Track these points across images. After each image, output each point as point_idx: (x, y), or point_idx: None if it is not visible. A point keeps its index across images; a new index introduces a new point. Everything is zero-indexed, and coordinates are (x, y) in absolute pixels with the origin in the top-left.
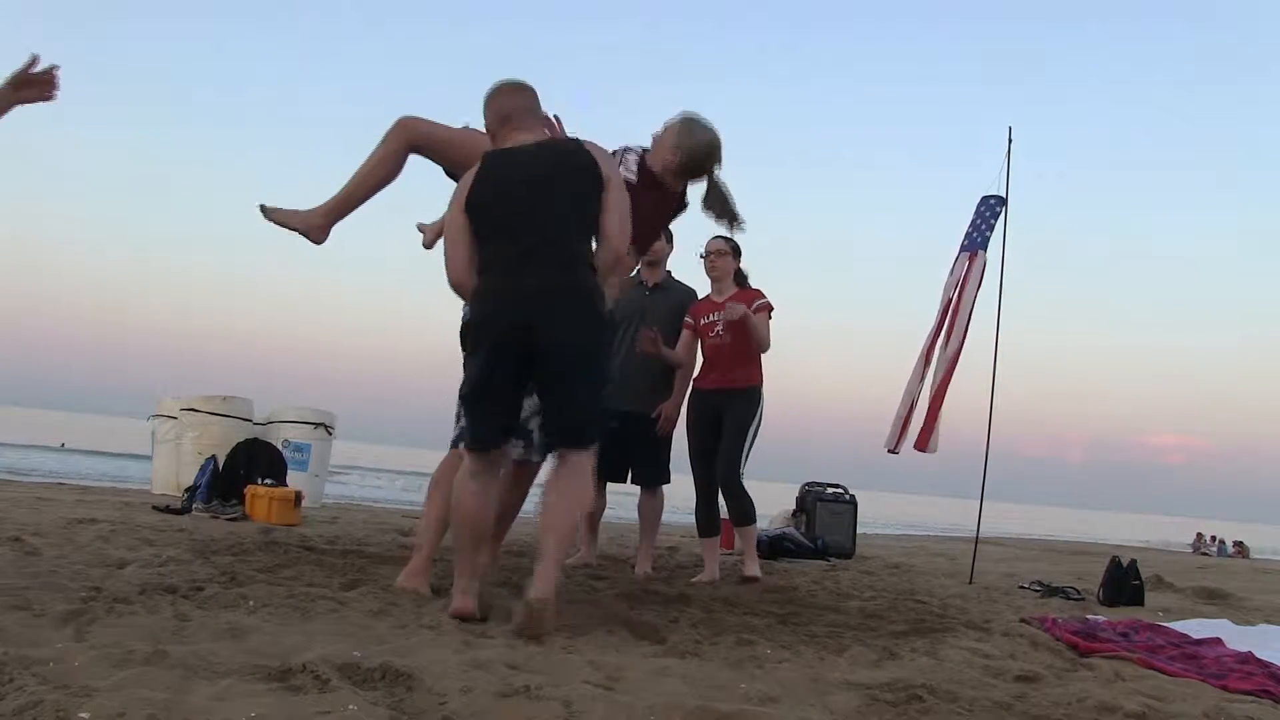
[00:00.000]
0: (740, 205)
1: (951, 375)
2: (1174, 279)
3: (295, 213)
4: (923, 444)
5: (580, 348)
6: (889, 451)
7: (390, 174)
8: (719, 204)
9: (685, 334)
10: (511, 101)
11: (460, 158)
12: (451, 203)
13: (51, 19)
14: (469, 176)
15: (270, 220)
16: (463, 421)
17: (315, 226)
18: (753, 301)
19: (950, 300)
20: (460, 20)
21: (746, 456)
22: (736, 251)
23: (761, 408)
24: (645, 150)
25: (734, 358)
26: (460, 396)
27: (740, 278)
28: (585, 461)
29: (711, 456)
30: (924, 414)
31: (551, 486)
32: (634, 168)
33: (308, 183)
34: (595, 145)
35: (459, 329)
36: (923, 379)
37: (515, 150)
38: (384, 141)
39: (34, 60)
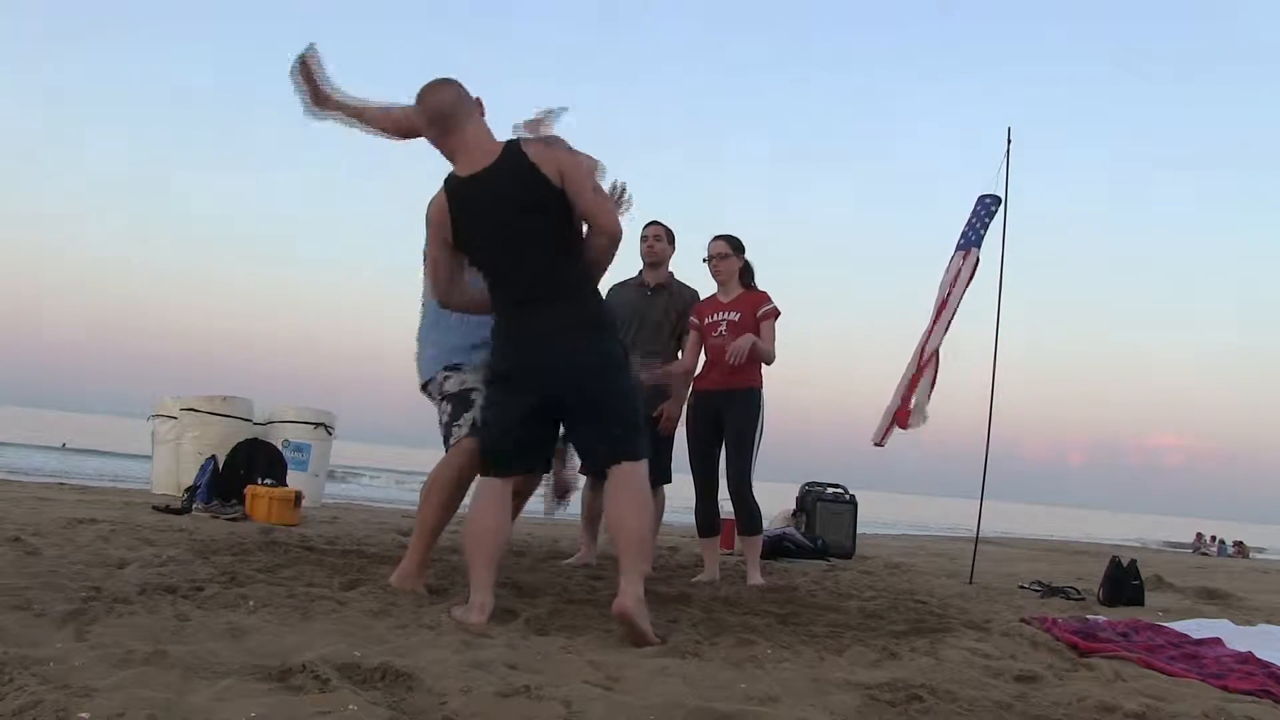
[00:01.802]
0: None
1: (929, 363)
2: (1174, 279)
3: (316, 78)
4: (902, 422)
5: (590, 371)
6: (875, 444)
7: (394, 132)
8: None
9: (691, 335)
10: (441, 101)
11: None
12: (427, 228)
13: (53, 19)
14: (439, 210)
15: (301, 65)
16: (462, 422)
17: (321, 100)
18: (759, 306)
19: (944, 299)
20: (463, 20)
21: (754, 463)
22: (739, 249)
23: (763, 410)
24: None
25: None
26: (483, 418)
27: (746, 276)
28: (638, 470)
29: (711, 457)
30: (902, 399)
31: (612, 502)
32: None
33: (308, 182)
34: (534, 143)
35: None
36: (915, 376)
37: (470, 184)
38: (404, 111)
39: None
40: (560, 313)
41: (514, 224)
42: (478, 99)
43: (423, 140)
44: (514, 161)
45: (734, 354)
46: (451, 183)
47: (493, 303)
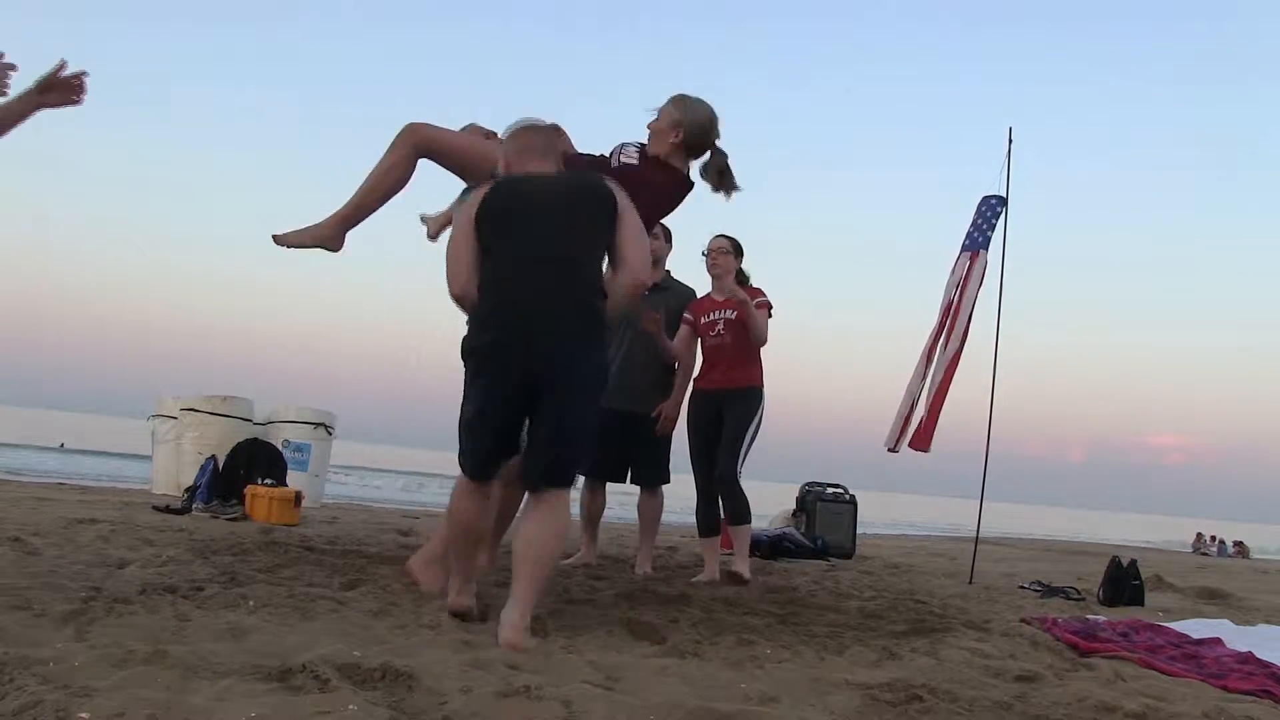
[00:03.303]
0: (737, 176)
1: (952, 375)
2: (1174, 279)
3: (307, 231)
4: (922, 444)
5: (572, 362)
6: (889, 450)
7: (400, 182)
8: (718, 173)
9: (684, 329)
10: (532, 140)
11: (469, 163)
12: (458, 219)
13: (56, 18)
14: (478, 195)
15: (285, 245)
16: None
17: (329, 239)
18: (753, 298)
19: (951, 300)
20: (460, 18)
21: (745, 456)
22: (738, 250)
23: (762, 408)
24: (643, 144)
25: (734, 357)
26: (461, 423)
27: (742, 277)
28: (564, 498)
29: (712, 457)
30: (925, 413)
31: (530, 520)
32: (635, 154)
33: (308, 182)
34: (614, 181)
35: (460, 345)
36: (924, 379)
37: (531, 176)
38: (392, 148)
39: (61, 65)
40: (554, 286)
41: (557, 211)
42: (564, 136)
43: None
44: (589, 175)
45: (727, 291)
46: (509, 178)
47: (487, 280)
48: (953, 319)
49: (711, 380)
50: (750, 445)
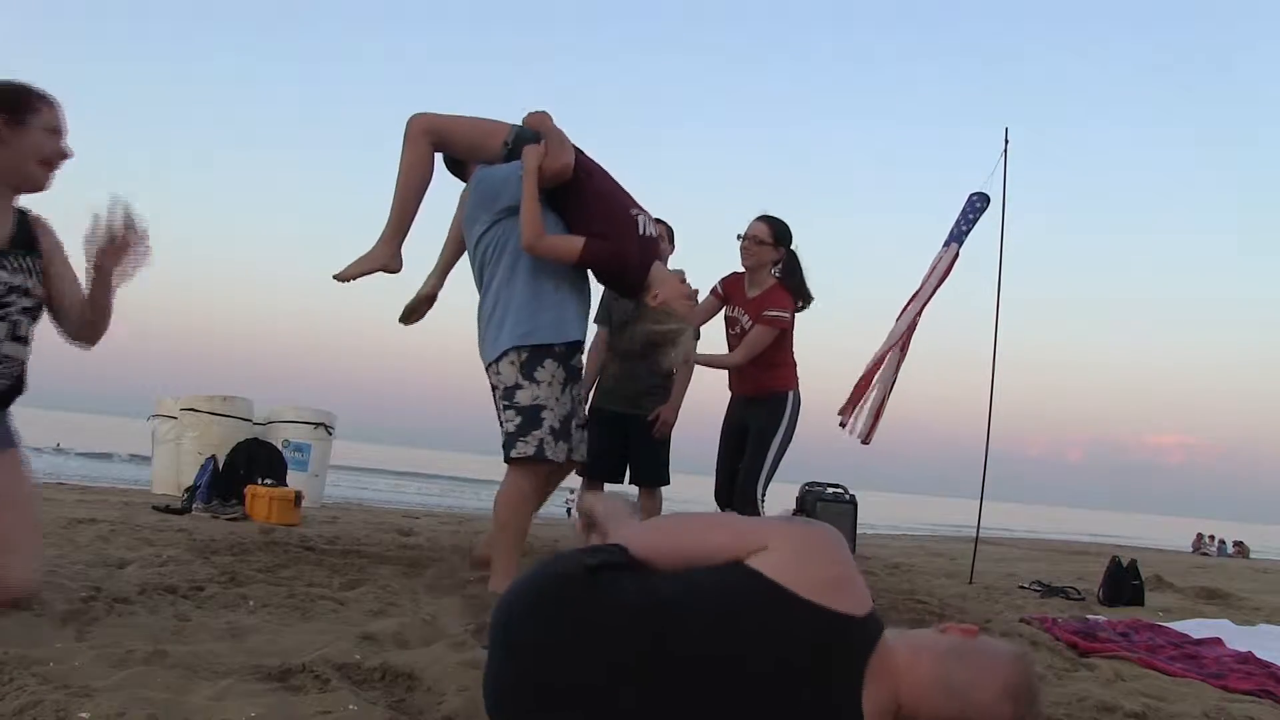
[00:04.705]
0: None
1: (901, 362)
2: (1174, 279)
3: (363, 259)
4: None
5: None
6: (861, 442)
7: (427, 175)
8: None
9: (709, 300)
10: None
11: (478, 141)
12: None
13: (61, 18)
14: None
15: (347, 280)
16: (529, 440)
17: (388, 260)
18: (767, 307)
19: (918, 290)
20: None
21: (770, 472)
22: (780, 238)
23: (789, 415)
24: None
25: (756, 362)
26: None
27: (790, 272)
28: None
29: (733, 468)
30: (880, 402)
31: None
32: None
33: (308, 179)
34: None
35: None
36: (896, 368)
37: None
38: (407, 145)
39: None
40: None
41: None
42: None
43: None
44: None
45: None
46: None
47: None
48: (907, 304)
49: (736, 385)
50: (778, 460)
